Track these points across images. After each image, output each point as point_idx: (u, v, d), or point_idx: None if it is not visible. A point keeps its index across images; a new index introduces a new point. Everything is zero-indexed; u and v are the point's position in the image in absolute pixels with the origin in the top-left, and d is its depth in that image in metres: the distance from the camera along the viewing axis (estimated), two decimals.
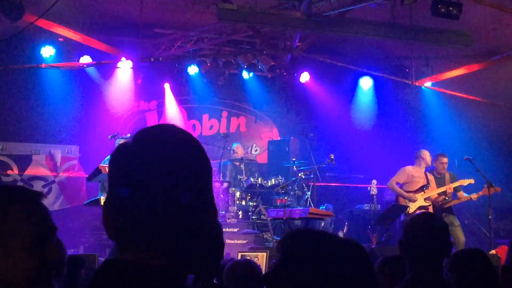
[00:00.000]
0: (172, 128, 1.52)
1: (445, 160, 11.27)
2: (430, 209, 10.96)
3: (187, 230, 1.44)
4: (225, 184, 12.88)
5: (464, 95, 14.12)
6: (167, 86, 14.61)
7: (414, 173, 11.18)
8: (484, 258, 4.09)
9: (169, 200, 1.41)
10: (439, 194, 11.11)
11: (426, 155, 11.27)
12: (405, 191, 11.11)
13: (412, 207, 10.96)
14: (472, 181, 11.16)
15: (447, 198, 11.12)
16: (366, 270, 1.68)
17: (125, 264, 1.41)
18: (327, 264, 1.64)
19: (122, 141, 9.37)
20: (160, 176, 1.41)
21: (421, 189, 11.06)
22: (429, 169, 11.50)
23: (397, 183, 11.20)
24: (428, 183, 11.11)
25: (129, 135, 10.04)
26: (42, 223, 1.82)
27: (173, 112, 14.87)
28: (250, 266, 4.64)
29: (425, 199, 10.99)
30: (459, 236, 10.93)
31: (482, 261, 4.03)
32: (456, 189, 11.25)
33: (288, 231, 1.75)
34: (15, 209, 1.78)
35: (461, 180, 11.15)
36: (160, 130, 1.51)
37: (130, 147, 1.48)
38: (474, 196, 10.97)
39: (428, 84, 14.48)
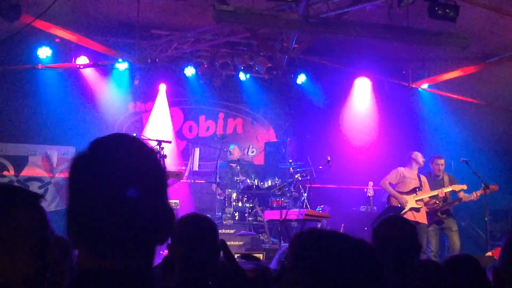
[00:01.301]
0: (126, 137, 1.61)
1: (441, 162, 11.29)
2: (422, 211, 10.97)
3: (149, 233, 1.48)
4: (221, 186, 12.88)
5: (461, 97, 14.16)
6: (162, 87, 14.56)
7: (407, 174, 11.19)
8: (475, 264, 4.11)
9: (130, 206, 1.45)
10: (431, 198, 11.10)
11: (418, 156, 11.28)
12: (397, 191, 11.13)
13: (407, 209, 10.98)
14: (465, 186, 11.16)
15: (437, 202, 11.11)
16: (377, 270, 1.69)
17: (100, 272, 1.43)
18: (339, 264, 1.65)
19: None
20: (118, 183, 1.46)
21: (414, 190, 11.06)
22: (427, 172, 11.52)
23: (390, 184, 11.22)
24: (420, 185, 11.11)
25: None
26: (42, 225, 1.82)
27: (162, 115, 14.78)
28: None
29: (416, 201, 10.98)
30: (455, 241, 10.94)
31: (473, 267, 4.06)
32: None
33: (299, 231, 1.77)
34: (18, 211, 1.78)
35: (454, 186, 11.16)
36: (116, 139, 1.61)
37: (88, 156, 1.57)
38: (474, 195, 10.97)
39: (424, 86, 14.51)
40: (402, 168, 11.31)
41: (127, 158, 1.51)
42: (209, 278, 3.24)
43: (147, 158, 1.55)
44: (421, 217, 10.88)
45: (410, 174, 11.20)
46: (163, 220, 1.51)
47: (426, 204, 11.12)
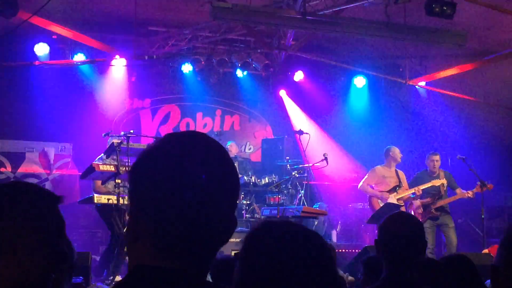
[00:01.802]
0: (199, 135, 1.57)
1: (436, 158, 11.27)
2: (403, 210, 10.95)
3: (213, 236, 1.48)
4: None
5: (458, 95, 14.16)
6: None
7: (385, 173, 11.18)
8: (470, 264, 4.12)
9: (201, 209, 1.44)
10: (418, 195, 11.09)
11: (395, 152, 11.25)
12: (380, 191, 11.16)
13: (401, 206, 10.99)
14: (444, 181, 11.14)
15: (430, 198, 11.11)
16: (325, 264, 1.70)
17: (156, 270, 1.43)
18: (285, 252, 1.67)
19: (115, 139, 9.38)
20: (194, 185, 1.44)
21: (394, 189, 11.06)
22: (423, 169, 11.52)
23: (369, 185, 11.22)
24: (400, 183, 11.10)
25: (122, 133, 10.01)
26: (51, 221, 1.83)
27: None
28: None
29: (397, 199, 10.98)
30: (452, 237, 10.94)
31: (467, 267, 4.07)
32: (452, 187, 11.26)
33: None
34: (26, 206, 1.79)
35: (433, 181, 11.12)
36: (187, 137, 1.56)
37: (155, 155, 1.50)
38: (469, 193, 10.95)
39: (421, 83, 14.51)
40: (379, 166, 11.30)
41: (207, 157, 1.49)
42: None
43: (225, 161, 1.54)
44: None
45: (388, 173, 11.19)
46: (227, 226, 1.50)
47: (406, 200, 11.14)
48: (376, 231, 10.57)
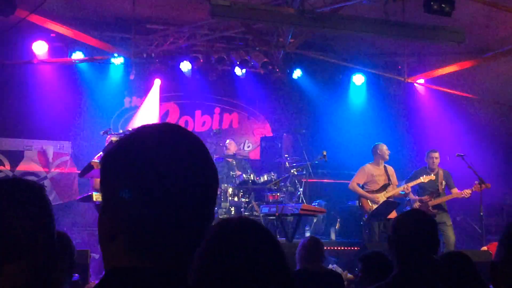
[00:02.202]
0: (174, 127, 1.47)
1: (436, 155, 11.26)
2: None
3: (190, 233, 1.41)
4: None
5: (457, 92, 14.16)
6: (157, 82, 14.51)
7: (374, 171, 11.15)
8: (468, 262, 4.12)
9: (174, 204, 1.37)
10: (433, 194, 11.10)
11: (383, 149, 11.21)
12: (367, 191, 11.12)
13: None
14: (432, 177, 11.10)
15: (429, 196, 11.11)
16: (275, 260, 1.68)
17: (134, 271, 1.36)
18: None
19: (114, 137, 9.39)
20: (165, 177, 1.36)
21: (384, 187, 11.05)
22: (422, 166, 11.52)
23: (358, 184, 11.19)
24: (389, 179, 11.09)
25: (121, 131, 10.04)
26: (36, 217, 1.81)
27: (151, 109, 14.66)
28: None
29: (388, 198, 10.97)
30: (450, 236, 10.93)
31: (466, 265, 4.07)
32: (449, 186, 11.26)
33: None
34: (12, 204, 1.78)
35: (417, 180, 11.11)
36: (161, 128, 1.46)
37: (128, 147, 1.42)
38: (467, 191, 10.94)
39: (420, 81, 14.52)
40: (368, 165, 11.27)
41: (180, 150, 1.41)
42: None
43: (200, 154, 1.45)
44: (395, 213, 10.84)
45: (377, 171, 11.17)
46: (202, 222, 1.43)
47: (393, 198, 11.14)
48: (375, 229, 10.65)
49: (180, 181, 1.37)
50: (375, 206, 10.86)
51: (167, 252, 1.38)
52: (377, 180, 11.09)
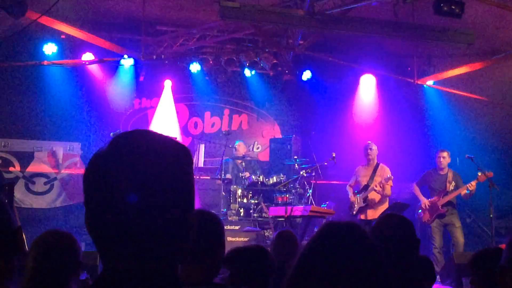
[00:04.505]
0: (150, 133, 1.50)
1: (444, 154, 11.20)
2: (369, 211, 10.93)
3: (173, 235, 1.43)
4: (226, 182, 12.89)
5: (466, 94, 14.12)
6: (167, 83, 14.57)
7: (361, 172, 11.22)
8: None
9: (152, 207, 1.39)
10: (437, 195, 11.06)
11: (371, 149, 11.24)
12: (354, 192, 11.26)
13: (356, 209, 11.03)
14: (387, 179, 11.02)
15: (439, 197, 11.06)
16: None
17: (122, 273, 1.40)
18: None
19: None
20: (142, 184, 1.39)
21: (364, 189, 11.05)
22: (433, 167, 11.48)
23: (351, 186, 11.36)
24: (368, 183, 11.05)
25: None
26: None
27: (167, 111, 14.77)
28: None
29: (363, 201, 10.97)
30: (459, 237, 10.88)
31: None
32: (459, 187, 11.18)
33: None
34: None
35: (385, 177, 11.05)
36: (138, 136, 1.50)
37: (109, 155, 1.45)
38: (471, 183, 10.80)
39: (430, 82, 14.48)
40: (360, 166, 11.40)
41: (147, 156, 1.43)
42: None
43: (172, 161, 1.46)
44: (376, 215, 10.83)
45: (364, 172, 11.20)
46: (178, 227, 1.44)
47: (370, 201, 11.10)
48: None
49: (151, 186, 1.40)
50: (357, 208, 10.97)
51: (149, 255, 1.40)
52: (360, 181, 11.18)
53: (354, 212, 11.02)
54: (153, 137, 1.49)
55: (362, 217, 10.89)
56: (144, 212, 1.39)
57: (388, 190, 10.91)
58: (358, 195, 11.10)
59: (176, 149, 1.49)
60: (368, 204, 10.94)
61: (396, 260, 3.32)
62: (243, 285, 3.52)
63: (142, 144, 1.46)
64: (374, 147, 11.29)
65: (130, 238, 1.39)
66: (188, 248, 1.48)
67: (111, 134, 10.69)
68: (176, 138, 1.52)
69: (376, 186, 10.81)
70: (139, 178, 1.39)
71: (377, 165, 11.20)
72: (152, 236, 1.40)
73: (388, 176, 10.84)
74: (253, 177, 12.46)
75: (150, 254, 1.41)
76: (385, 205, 10.97)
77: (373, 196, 10.95)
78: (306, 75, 14.93)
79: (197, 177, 14.00)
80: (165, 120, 14.43)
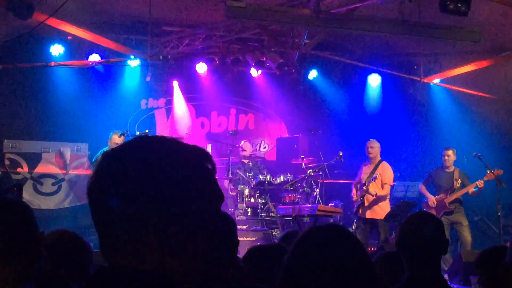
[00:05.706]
0: (163, 139, 1.50)
1: (449, 153, 11.22)
2: (368, 211, 10.95)
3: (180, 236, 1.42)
4: (233, 182, 12.91)
5: (473, 92, 14.08)
6: (175, 83, 14.65)
7: (364, 171, 11.31)
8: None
9: (162, 210, 1.39)
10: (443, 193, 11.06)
11: (372, 147, 11.26)
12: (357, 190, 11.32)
13: (355, 207, 11.12)
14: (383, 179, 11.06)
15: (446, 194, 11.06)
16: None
17: (120, 270, 1.40)
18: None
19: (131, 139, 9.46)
20: (151, 186, 1.39)
21: (361, 186, 11.10)
22: (437, 166, 11.48)
23: (354, 184, 11.47)
24: (366, 181, 11.05)
25: (138, 133, 10.09)
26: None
27: (181, 110, 14.92)
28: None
29: (360, 198, 10.98)
30: (466, 236, 10.88)
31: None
32: (465, 185, 11.17)
33: None
34: None
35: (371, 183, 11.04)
36: (151, 140, 1.50)
37: (118, 157, 1.45)
38: (479, 182, 10.82)
39: (436, 80, 14.46)
40: (364, 164, 11.45)
41: (164, 159, 1.43)
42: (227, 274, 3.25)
43: (184, 161, 1.45)
44: (374, 214, 10.89)
45: (365, 170, 11.27)
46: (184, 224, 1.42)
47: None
48: (393, 229, 10.65)
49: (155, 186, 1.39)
50: (356, 206, 11.05)
51: (147, 253, 1.40)
52: (361, 179, 11.20)
53: (354, 210, 11.04)
54: (171, 144, 1.49)
55: (362, 215, 10.89)
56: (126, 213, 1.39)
57: (380, 191, 10.92)
58: (357, 192, 11.15)
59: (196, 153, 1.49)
60: (364, 202, 10.93)
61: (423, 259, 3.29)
62: (263, 284, 3.53)
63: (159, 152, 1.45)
64: (375, 145, 11.26)
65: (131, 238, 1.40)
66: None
67: (119, 135, 10.73)
68: (182, 137, 1.53)
69: (365, 187, 10.91)
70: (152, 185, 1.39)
71: (379, 162, 11.19)
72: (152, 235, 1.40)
73: (375, 175, 10.83)
74: (260, 176, 12.46)
75: (151, 252, 1.40)
76: (386, 204, 10.96)
77: (370, 194, 11.00)
78: (312, 74, 14.94)
79: None
80: (183, 120, 14.56)
